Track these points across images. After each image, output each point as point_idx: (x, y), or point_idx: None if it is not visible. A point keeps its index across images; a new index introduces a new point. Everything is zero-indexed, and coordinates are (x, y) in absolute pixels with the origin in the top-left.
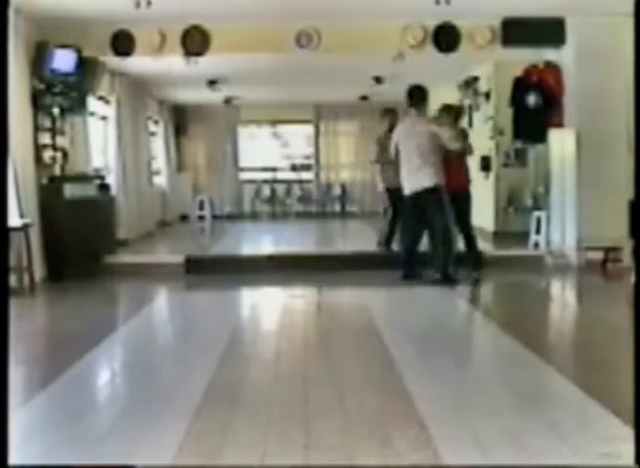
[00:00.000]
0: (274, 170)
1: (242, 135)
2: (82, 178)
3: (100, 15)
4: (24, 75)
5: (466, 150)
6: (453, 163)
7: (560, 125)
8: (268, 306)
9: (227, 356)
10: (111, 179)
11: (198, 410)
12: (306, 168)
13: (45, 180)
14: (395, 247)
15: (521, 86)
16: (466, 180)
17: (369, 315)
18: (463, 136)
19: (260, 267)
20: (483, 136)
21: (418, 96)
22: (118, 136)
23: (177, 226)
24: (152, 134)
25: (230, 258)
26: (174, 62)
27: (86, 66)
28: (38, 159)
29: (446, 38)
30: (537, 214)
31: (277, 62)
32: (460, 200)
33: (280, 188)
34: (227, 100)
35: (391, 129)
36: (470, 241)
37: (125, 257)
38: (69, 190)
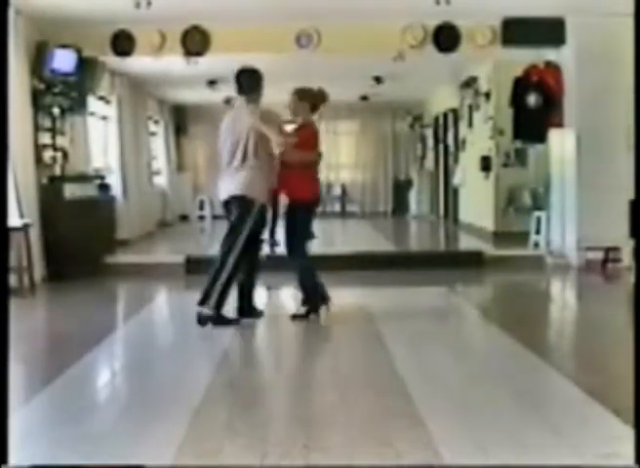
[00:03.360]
0: None
1: None
2: (82, 178)
3: (100, 15)
4: (24, 75)
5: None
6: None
7: (560, 125)
8: (268, 306)
9: (227, 356)
10: (112, 179)
11: (198, 410)
12: None
13: (45, 180)
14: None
15: (521, 86)
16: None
17: (369, 315)
18: (306, 135)
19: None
20: (483, 137)
21: (247, 81)
22: (119, 136)
23: (177, 226)
24: (152, 134)
25: None
26: (174, 62)
27: (86, 66)
28: (38, 159)
29: (446, 38)
30: (537, 214)
31: (277, 62)
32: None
33: None
34: (227, 100)
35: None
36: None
37: (125, 257)
38: (69, 190)
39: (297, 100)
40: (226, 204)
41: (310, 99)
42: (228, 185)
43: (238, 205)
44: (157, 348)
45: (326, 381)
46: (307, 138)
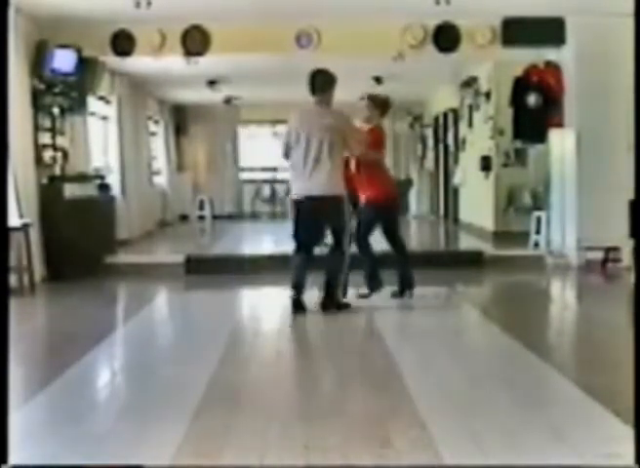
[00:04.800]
0: (274, 170)
1: (242, 135)
2: (82, 178)
3: (100, 15)
4: (24, 75)
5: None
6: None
7: (560, 125)
8: (268, 306)
9: (227, 356)
10: (112, 179)
11: (198, 411)
12: None
13: (45, 180)
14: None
15: (521, 86)
16: (386, 193)
17: (369, 315)
18: (377, 139)
19: (259, 267)
20: (483, 136)
21: (320, 82)
22: (119, 135)
23: (177, 226)
24: (152, 133)
25: (230, 258)
26: (174, 62)
27: (86, 66)
28: (38, 159)
29: (446, 38)
30: (537, 214)
31: (277, 62)
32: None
33: (280, 188)
34: (227, 100)
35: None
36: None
37: (125, 257)
38: (69, 190)
39: (372, 107)
40: (303, 203)
41: (381, 106)
42: (313, 185)
43: (325, 204)
44: (157, 348)
45: (326, 381)
46: (379, 140)
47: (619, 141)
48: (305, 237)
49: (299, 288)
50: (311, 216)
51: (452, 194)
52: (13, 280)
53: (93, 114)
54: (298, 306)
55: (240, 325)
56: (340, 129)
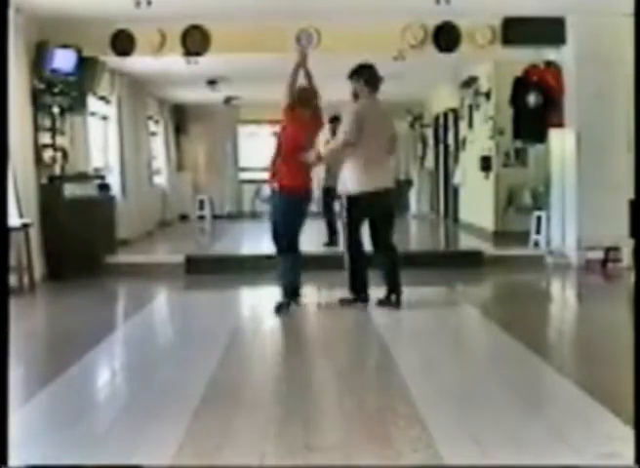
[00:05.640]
0: None
1: (242, 134)
2: (82, 178)
3: (100, 14)
4: (24, 75)
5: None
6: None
7: (560, 125)
8: (268, 306)
9: (227, 356)
10: (112, 179)
11: (198, 410)
12: None
13: (45, 180)
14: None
15: (521, 86)
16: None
17: (369, 315)
18: None
19: (259, 267)
20: (483, 136)
21: (373, 76)
22: (119, 135)
23: (177, 226)
24: (152, 133)
25: (230, 258)
26: (174, 62)
27: (86, 66)
28: (38, 159)
29: (446, 38)
30: (537, 213)
31: (277, 62)
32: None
33: None
34: (227, 100)
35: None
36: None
37: (125, 257)
38: (69, 190)
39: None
40: (377, 195)
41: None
42: (386, 177)
43: (391, 196)
44: (157, 348)
45: (326, 381)
46: None
47: (619, 141)
48: (360, 234)
49: (366, 289)
50: (376, 210)
51: (452, 194)
52: (13, 279)
53: (93, 114)
54: (386, 303)
55: (240, 325)
56: (392, 122)
